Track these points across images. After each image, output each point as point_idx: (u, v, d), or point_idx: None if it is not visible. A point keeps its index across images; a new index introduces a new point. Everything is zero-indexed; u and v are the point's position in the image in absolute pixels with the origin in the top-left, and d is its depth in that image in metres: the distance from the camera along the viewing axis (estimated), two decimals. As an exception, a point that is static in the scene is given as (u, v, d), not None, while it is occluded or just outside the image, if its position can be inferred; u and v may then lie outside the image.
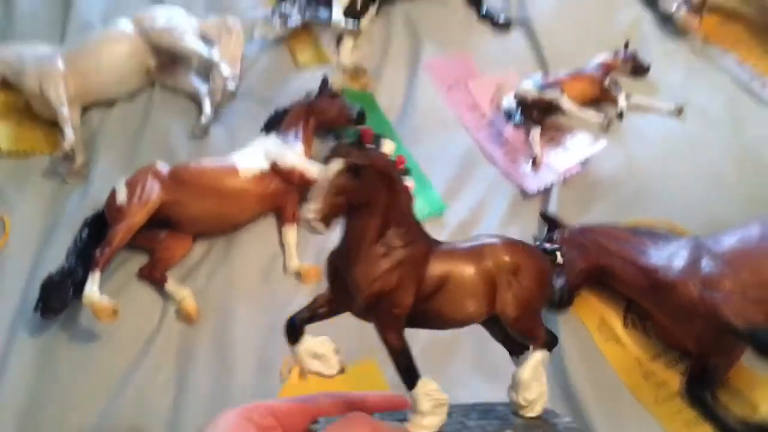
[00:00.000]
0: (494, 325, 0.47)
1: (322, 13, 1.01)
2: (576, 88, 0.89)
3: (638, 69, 0.93)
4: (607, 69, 0.92)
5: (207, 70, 0.94)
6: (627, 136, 0.87)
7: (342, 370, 0.46)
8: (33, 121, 0.92)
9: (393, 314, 0.43)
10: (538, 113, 0.89)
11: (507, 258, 0.45)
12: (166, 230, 0.78)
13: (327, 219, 0.40)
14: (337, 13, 0.98)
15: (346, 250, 0.43)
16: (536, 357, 0.46)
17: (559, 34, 0.99)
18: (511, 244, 0.46)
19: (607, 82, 0.90)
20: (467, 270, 0.44)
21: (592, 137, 0.86)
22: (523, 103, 0.89)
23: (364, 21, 1.01)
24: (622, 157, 0.84)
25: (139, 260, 0.78)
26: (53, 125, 0.90)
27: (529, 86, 0.89)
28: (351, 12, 1.00)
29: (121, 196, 0.75)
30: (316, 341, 0.45)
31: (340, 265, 0.43)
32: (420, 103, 0.93)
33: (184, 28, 0.93)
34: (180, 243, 0.78)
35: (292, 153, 0.81)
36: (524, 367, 0.46)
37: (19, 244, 0.81)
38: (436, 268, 0.44)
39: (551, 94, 0.88)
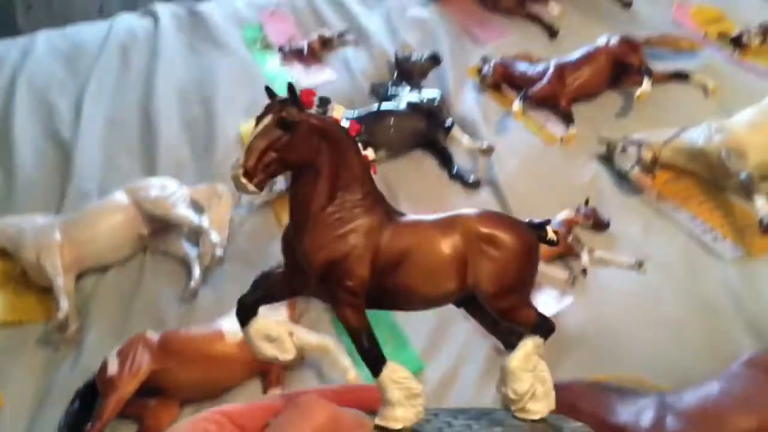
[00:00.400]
0: (481, 310, 0.43)
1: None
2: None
3: (599, 224, 1.00)
4: (569, 225, 0.98)
5: (197, 235, 1.00)
6: (592, 291, 0.92)
7: (298, 356, 0.43)
8: (28, 288, 0.96)
9: (347, 287, 0.39)
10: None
11: (480, 227, 0.41)
12: (154, 398, 0.81)
13: (255, 176, 0.37)
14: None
15: (294, 219, 0.40)
16: (527, 344, 0.41)
17: (524, 192, 1.06)
18: (487, 214, 0.42)
19: (570, 238, 0.97)
20: (433, 240, 0.40)
21: (559, 293, 0.91)
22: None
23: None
24: (588, 312, 0.89)
25: (128, 428, 0.81)
26: (48, 292, 0.95)
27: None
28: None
29: (113, 368, 0.78)
30: (269, 322, 0.41)
31: (291, 238, 0.40)
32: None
33: (176, 197, 1.00)
34: (168, 410, 0.81)
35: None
36: (513, 356, 0.41)
37: (11, 416, 0.83)
38: (397, 238, 0.40)
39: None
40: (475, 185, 1.10)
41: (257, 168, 0.37)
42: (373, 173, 0.42)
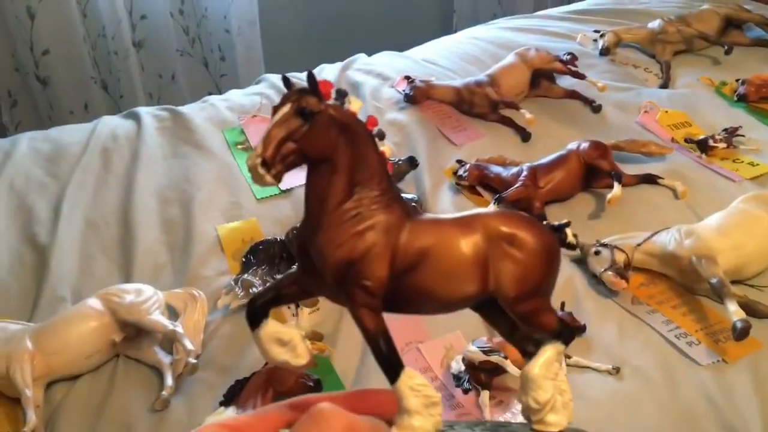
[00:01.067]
0: (498, 315, 0.41)
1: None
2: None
3: (575, 328, 1.00)
4: (547, 329, 0.99)
5: (171, 342, 0.99)
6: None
7: (312, 361, 0.40)
8: (-5, 397, 0.94)
9: (365, 288, 0.37)
10: (485, 376, 0.94)
11: (501, 227, 0.40)
12: None
13: (274, 166, 0.35)
14: (296, 283, 1.05)
15: (309, 217, 0.38)
16: (548, 351, 0.40)
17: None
18: (508, 214, 0.41)
19: (547, 343, 0.97)
20: (453, 240, 0.39)
21: (511, 421, 0.90)
22: (471, 365, 0.95)
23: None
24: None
25: None
26: (15, 402, 0.92)
27: (475, 350, 0.95)
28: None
29: (78, 486, 0.76)
30: (281, 327, 0.39)
31: (305, 236, 0.38)
32: (377, 369, 0.98)
33: (151, 303, 0.99)
34: None
35: None
36: (534, 362, 0.40)
37: None
38: (416, 237, 0.38)
39: (496, 358, 0.94)
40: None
41: (275, 158, 0.36)
42: (390, 169, 0.40)
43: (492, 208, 1.21)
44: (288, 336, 0.39)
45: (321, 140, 0.37)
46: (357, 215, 0.38)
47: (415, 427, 0.36)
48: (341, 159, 0.38)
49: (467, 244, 0.39)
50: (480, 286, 0.39)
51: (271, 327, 0.39)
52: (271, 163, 0.36)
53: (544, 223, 0.42)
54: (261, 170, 0.35)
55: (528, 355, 0.41)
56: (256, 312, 0.39)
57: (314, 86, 0.38)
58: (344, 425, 0.33)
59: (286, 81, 0.40)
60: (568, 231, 0.43)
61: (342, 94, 0.39)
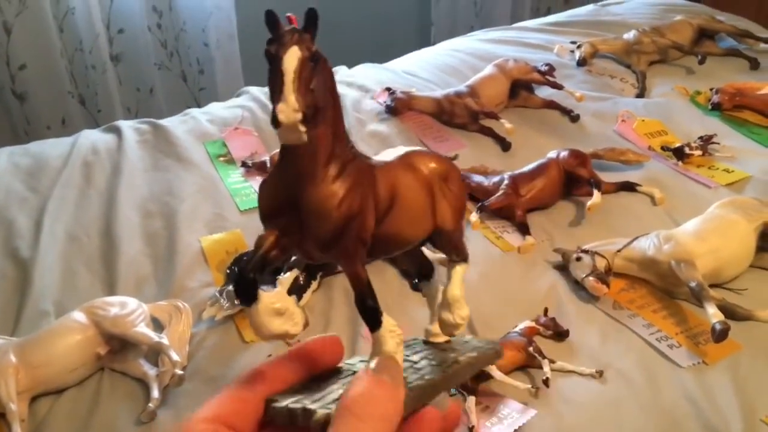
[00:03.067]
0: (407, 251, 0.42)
1: (268, 289, 1.09)
2: (504, 355, 0.97)
3: (558, 333, 1.02)
4: (531, 334, 1.00)
5: (156, 354, 0.98)
6: (554, 402, 0.93)
7: (306, 324, 0.39)
8: (-21, 413, 0.93)
9: (361, 239, 0.37)
10: (472, 381, 0.95)
11: (434, 164, 0.41)
12: None
13: (308, 119, 0.32)
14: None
15: (296, 173, 0.36)
16: (459, 271, 0.42)
17: (483, 302, 1.08)
18: (427, 151, 0.42)
19: (531, 348, 0.98)
20: (410, 182, 0.39)
21: (522, 406, 0.91)
22: (457, 372, 0.95)
23: (307, 295, 1.09)
24: (551, 424, 0.89)
25: None
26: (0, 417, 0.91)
27: (461, 356, 0.96)
28: (295, 288, 1.08)
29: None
30: (272, 295, 0.37)
31: (286, 192, 0.36)
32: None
33: (136, 316, 0.99)
34: None
35: None
36: (453, 284, 0.42)
37: None
38: (385, 184, 0.38)
39: (482, 363, 0.94)
40: (437, 296, 1.11)
41: (308, 113, 0.33)
42: None
43: (474, 216, 1.23)
44: (284, 304, 0.37)
45: (323, 91, 0.35)
46: (346, 168, 0.36)
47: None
48: (329, 109, 0.36)
49: (421, 186, 0.40)
50: (432, 224, 0.41)
51: (266, 298, 0.36)
52: (310, 116, 0.33)
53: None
54: (297, 127, 0.33)
55: (426, 278, 0.44)
56: (250, 285, 0.36)
57: (314, 25, 0.35)
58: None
59: (272, 17, 0.36)
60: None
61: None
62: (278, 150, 1.29)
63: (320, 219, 0.36)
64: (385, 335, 0.37)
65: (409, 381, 0.38)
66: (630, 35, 1.82)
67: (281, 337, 0.37)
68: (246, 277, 0.36)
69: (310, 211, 0.36)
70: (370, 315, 0.37)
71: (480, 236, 1.22)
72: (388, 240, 0.39)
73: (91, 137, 1.55)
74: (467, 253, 0.43)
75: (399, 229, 0.39)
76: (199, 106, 2.17)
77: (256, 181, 1.39)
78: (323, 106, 0.35)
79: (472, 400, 0.94)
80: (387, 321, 0.37)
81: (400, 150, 0.41)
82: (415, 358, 0.41)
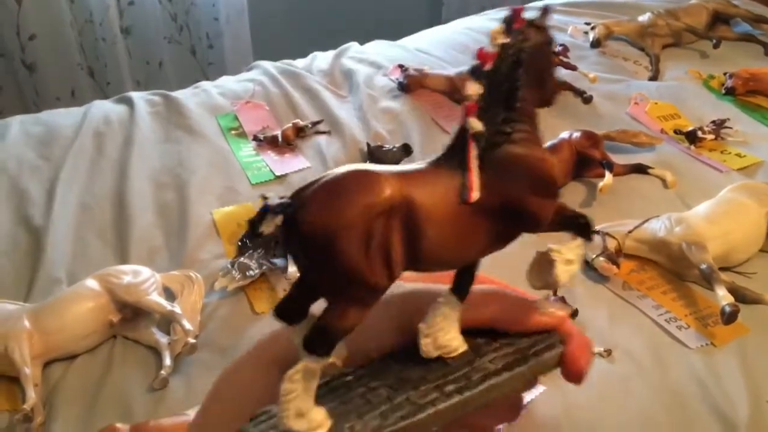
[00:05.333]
0: None
1: (279, 262, 1.10)
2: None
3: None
4: (540, 313, 1.00)
5: (169, 323, 0.99)
6: (562, 379, 0.93)
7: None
8: (-7, 376, 0.94)
9: None
10: (480, 357, 0.96)
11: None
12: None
13: None
14: (292, 266, 1.06)
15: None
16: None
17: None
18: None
19: (541, 326, 0.99)
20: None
21: (531, 382, 0.92)
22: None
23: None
24: (559, 401, 0.90)
25: None
26: (13, 381, 0.92)
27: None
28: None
29: (80, 462, 0.76)
30: None
31: None
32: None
33: (149, 284, 0.99)
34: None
35: None
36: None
37: None
38: None
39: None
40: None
41: None
42: None
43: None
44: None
45: None
46: None
47: None
48: None
49: None
50: None
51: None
52: None
53: None
54: None
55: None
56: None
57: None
58: None
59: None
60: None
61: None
62: (290, 125, 1.29)
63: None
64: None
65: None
66: (644, 18, 1.80)
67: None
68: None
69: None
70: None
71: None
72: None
73: (103, 108, 1.55)
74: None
75: None
76: (207, 80, 2.16)
77: (267, 155, 1.39)
78: None
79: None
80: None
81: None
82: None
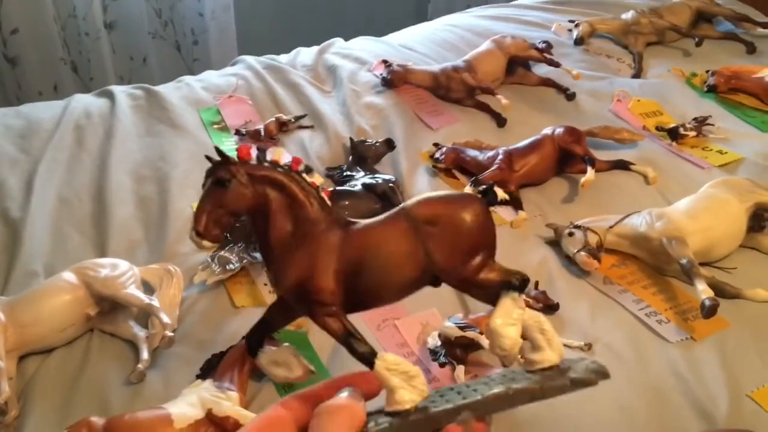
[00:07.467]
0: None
1: (260, 255, 1.09)
2: (494, 326, 0.97)
3: (548, 306, 1.02)
4: (521, 308, 1.00)
5: (146, 316, 0.98)
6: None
7: (306, 373, 0.48)
8: (-33, 370, 0.92)
9: (319, 301, 0.43)
10: (461, 351, 0.95)
11: (420, 211, 0.45)
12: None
13: (209, 234, 0.43)
14: (273, 259, 1.06)
15: (262, 255, 0.45)
16: (505, 302, 0.44)
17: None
18: (426, 198, 0.47)
19: (522, 320, 0.98)
20: (383, 237, 0.45)
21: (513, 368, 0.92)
22: (447, 341, 0.96)
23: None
24: (540, 394, 0.90)
25: None
26: (-13, 374, 0.91)
27: (451, 326, 0.96)
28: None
29: (54, 455, 0.75)
30: (275, 351, 0.47)
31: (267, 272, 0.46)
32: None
33: (127, 278, 0.98)
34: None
35: (227, 400, 0.83)
36: (494, 315, 0.44)
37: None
38: (353, 245, 0.45)
39: (471, 333, 0.95)
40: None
41: (208, 226, 0.43)
42: (326, 195, 0.47)
43: (468, 189, 1.23)
44: (281, 357, 0.47)
45: (244, 198, 0.44)
46: (297, 244, 0.44)
47: (403, 400, 0.40)
48: (272, 204, 0.44)
49: (394, 237, 0.45)
50: (418, 269, 0.44)
51: (267, 354, 0.46)
52: (206, 232, 0.43)
53: (469, 189, 0.49)
54: (196, 239, 0.45)
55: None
56: (253, 345, 0.46)
57: (224, 158, 0.45)
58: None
59: (219, 152, 0.47)
60: (497, 189, 0.48)
61: (263, 152, 0.46)
62: (273, 119, 1.29)
63: (279, 289, 0.45)
64: (382, 373, 0.41)
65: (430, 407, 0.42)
66: (628, 15, 1.81)
67: (284, 380, 0.47)
68: (251, 340, 0.46)
69: (274, 283, 0.45)
70: (359, 358, 0.43)
71: (473, 210, 1.22)
72: (369, 291, 0.44)
73: (84, 101, 1.53)
74: (507, 281, 0.45)
75: (376, 281, 0.44)
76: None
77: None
78: (257, 208, 0.44)
79: (461, 369, 0.94)
80: (384, 360, 0.41)
81: (407, 201, 0.47)
82: (469, 389, 0.44)
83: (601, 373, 0.45)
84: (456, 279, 0.45)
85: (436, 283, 0.47)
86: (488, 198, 0.47)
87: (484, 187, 0.47)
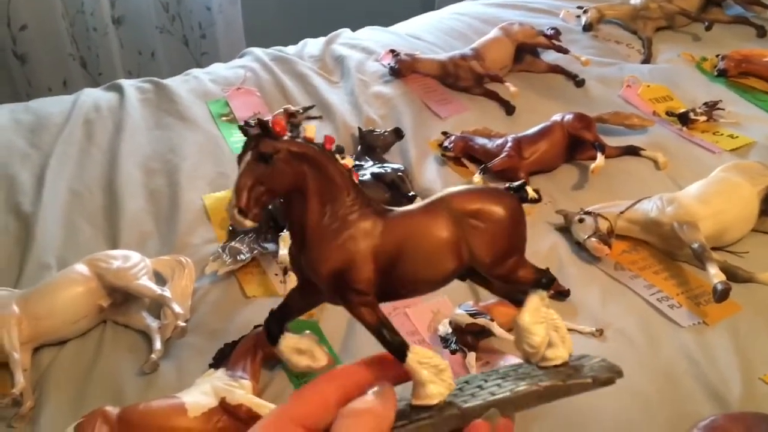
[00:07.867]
0: (484, 278, 0.46)
1: (270, 246, 1.09)
2: (504, 313, 0.97)
3: (559, 293, 1.02)
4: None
5: (159, 307, 0.99)
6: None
7: (330, 362, 0.45)
8: (-18, 362, 0.93)
9: (357, 290, 0.42)
10: (472, 338, 0.95)
11: (464, 205, 0.44)
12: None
13: (249, 211, 0.40)
14: (283, 250, 1.06)
15: (294, 240, 0.43)
16: (533, 299, 0.45)
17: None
18: (468, 190, 0.45)
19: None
20: (424, 228, 0.43)
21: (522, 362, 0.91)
22: (458, 329, 0.96)
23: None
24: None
25: None
26: (2, 366, 0.92)
27: (462, 313, 0.96)
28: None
29: (70, 445, 0.76)
30: (296, 337, 0.44)
31: (295, 257, 0.43)
32: (362, 330, 0.98)
33: (139, 269, 0.99)
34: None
35: (240, 389, 0.84)
36: (523, 312, 0.44)
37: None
38: (392, 233, 0.43)
39: (482, 320, 0.95)
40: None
41: (249, 204, 0.40)
42: (356, 179, 0.44)
43: (477, 177, 1.23)
44: (305, 345, 0.44)
45: (286, 176, 0.41)
46: (335, 229, 0.42)
47: (432, 394, 0.41)
48: (310, 185, 0.42)
49: (437, 228, 0.43)
50: (457, 262, 0.43)
51: (289, 340, 0.44)
52: (247, 210, 0.40)
53: (505, 186, 0.47)
54: (239, 217, 0.39)
55: (520, 303, 0.45)
56: (273, 330, 0.44)
57: (267, 129, 0.41)
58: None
59: (244, 130, 0.43)
60: (528, 188, 0.47)
61: (295, 127, 0.44)
62: (281, 110, 1.29)
63: (314, 277, 0.42)
64: (414, 366, 0.41)
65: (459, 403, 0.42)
66: (637, 1, 1.80)
67: (305, 369, 0.44)
68: (270, 325, 0.44)
69: (307, 271, 0.43)
70: (391, 350, 0.42)
71: (482, 198, 1.22)
72: (405, 282, 0.43)
73: (93, 95, 1.54)
74: (537, 279, 0.45)
75: (413, 272, 0.43)
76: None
77: (258, 141, 1.38)
78: (295, 187, 0.42)
79: (472, 356, 0.94)
80: (416, 353, 0.41)
81: (448, 190, 0.45)
82: (489, 383, 0.45)
83: (616, 371, 0.47)
84: (494, 275, 0.44)
85: (464, 278, 0.47)
86: (519, 195, 0.46)
87: (516, 184, 0.46)
